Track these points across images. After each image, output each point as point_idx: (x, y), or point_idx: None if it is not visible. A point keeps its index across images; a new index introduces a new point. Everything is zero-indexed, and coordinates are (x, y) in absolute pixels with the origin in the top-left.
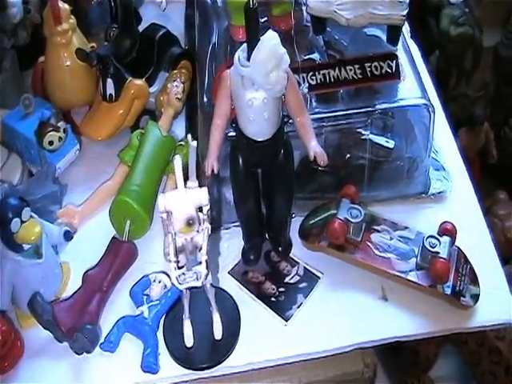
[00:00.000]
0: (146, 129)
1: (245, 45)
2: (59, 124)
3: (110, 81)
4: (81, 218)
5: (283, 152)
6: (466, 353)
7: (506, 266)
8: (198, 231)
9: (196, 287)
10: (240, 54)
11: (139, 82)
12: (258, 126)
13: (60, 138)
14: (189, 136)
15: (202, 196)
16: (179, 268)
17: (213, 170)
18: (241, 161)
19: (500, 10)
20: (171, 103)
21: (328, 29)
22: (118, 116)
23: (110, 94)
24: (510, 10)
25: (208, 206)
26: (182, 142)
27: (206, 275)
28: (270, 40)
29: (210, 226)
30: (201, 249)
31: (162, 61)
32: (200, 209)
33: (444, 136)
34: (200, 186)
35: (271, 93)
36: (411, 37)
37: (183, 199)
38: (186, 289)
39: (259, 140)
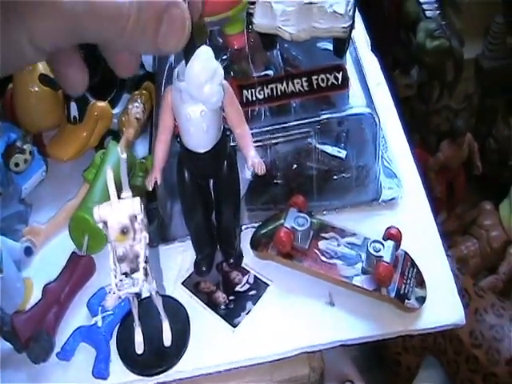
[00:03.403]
0: (106, 148)
1: (183, 61)
2: (25, 146)
3: (73, 104)
4: (46, 236)
5: (226, 164)
6: (444, 362)
7: (492, 275)
8: (134, 239)
9: (137, 293)
10: (178, 69)
11: (102, 104)
12: (198, 139)
13: (26, 160)
14: (118, 148)
15: (134, 205)
16: (121, 275)
17: (156, 183)
18: (186, 174)
19: (481, 22)
20: (131, 123)
21: (286, 45)
22: (82, 137)
23: (74, 116)
24: (490, 22)
25: (141, 216)
26: (143, 160)
27: (144, 281)
28: (203, 54)
29: (147, 235)
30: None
31: (124, 83)
32: (135, 218)
33: (399, 145)
34: (134, 196)
35: (208, 105)
36: (372, 50)
37: (116, 209)
38: (133, 297)
39: (201, 152)
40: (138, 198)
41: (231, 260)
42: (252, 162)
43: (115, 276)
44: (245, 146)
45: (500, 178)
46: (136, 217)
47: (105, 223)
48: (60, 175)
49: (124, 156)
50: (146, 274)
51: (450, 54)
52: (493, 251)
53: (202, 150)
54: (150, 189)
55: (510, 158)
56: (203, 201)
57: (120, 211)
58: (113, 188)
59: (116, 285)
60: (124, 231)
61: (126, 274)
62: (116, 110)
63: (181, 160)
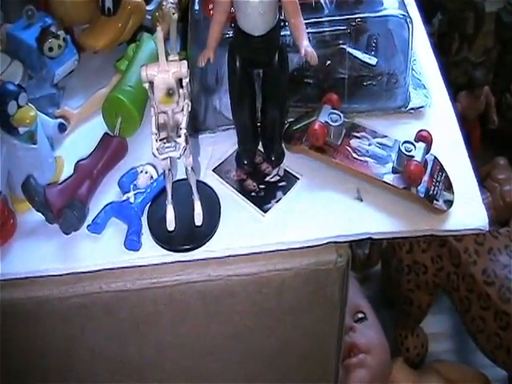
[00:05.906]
0: (140, 40)
1: None
2: (59, 32)
3: None
4: (77, 120)
5: (278, 56)
6: (456, 300)
7: (504, 227)
8: (177, 104)
9: (174, 157)
10: None
11: None
12: (253, 21)
13: (59, 46)
14: (170, 6)
15: (181, 67)
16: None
17: (208, 59)
18: (238, 61)
19: None
20: (165, 18)
21: None
22: (115, 28)
23: (108, 8)
24: None
25: (187, 79)
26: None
27: (185, 149)
28: None
29: (190, 104)
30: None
31: None
32: (180, 83)
33: (426, 59)
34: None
35: None
36: None
37: (163, 69)
38: (169, 172)
39: (255, 35)
40: (185, 62)
41: (273, 156)
42: (305, 51)
43: (156, 140)
44: (298, 36)
45: None
46: (182, 80)
47: (151, 84)
48: (92, 67)
49: (175, 16)
50: (186, 142)
51: (472, 3)
52: (505, 205)
53: (257, 34)
54: (202, 65)
55: None
56: (251, 93)
57: (167, 72)
58: (162, 48)
59: (157, 149)
60: (170, 92)
61: (166, 139)
62: (150, 7)
63: (233, 46)
